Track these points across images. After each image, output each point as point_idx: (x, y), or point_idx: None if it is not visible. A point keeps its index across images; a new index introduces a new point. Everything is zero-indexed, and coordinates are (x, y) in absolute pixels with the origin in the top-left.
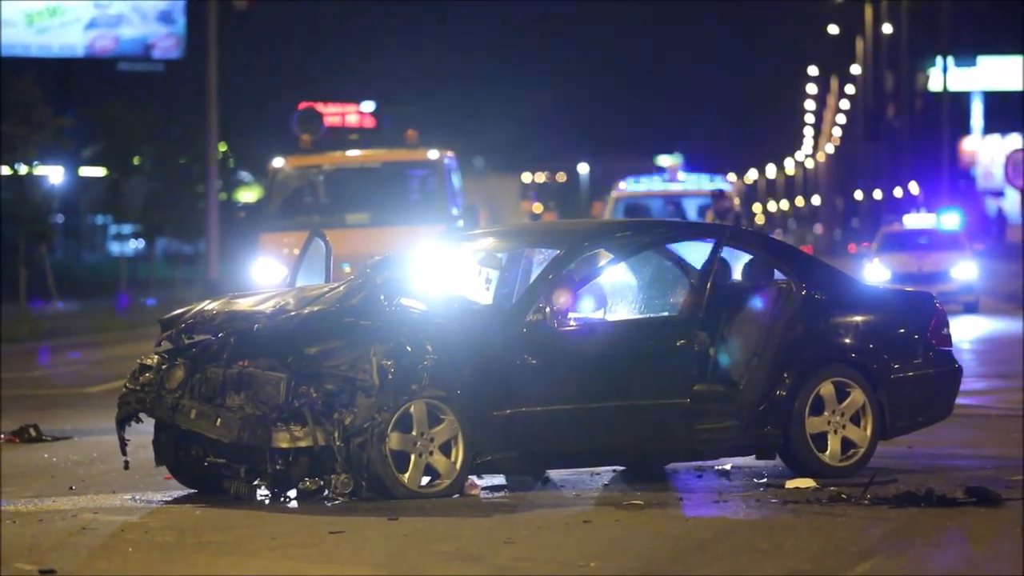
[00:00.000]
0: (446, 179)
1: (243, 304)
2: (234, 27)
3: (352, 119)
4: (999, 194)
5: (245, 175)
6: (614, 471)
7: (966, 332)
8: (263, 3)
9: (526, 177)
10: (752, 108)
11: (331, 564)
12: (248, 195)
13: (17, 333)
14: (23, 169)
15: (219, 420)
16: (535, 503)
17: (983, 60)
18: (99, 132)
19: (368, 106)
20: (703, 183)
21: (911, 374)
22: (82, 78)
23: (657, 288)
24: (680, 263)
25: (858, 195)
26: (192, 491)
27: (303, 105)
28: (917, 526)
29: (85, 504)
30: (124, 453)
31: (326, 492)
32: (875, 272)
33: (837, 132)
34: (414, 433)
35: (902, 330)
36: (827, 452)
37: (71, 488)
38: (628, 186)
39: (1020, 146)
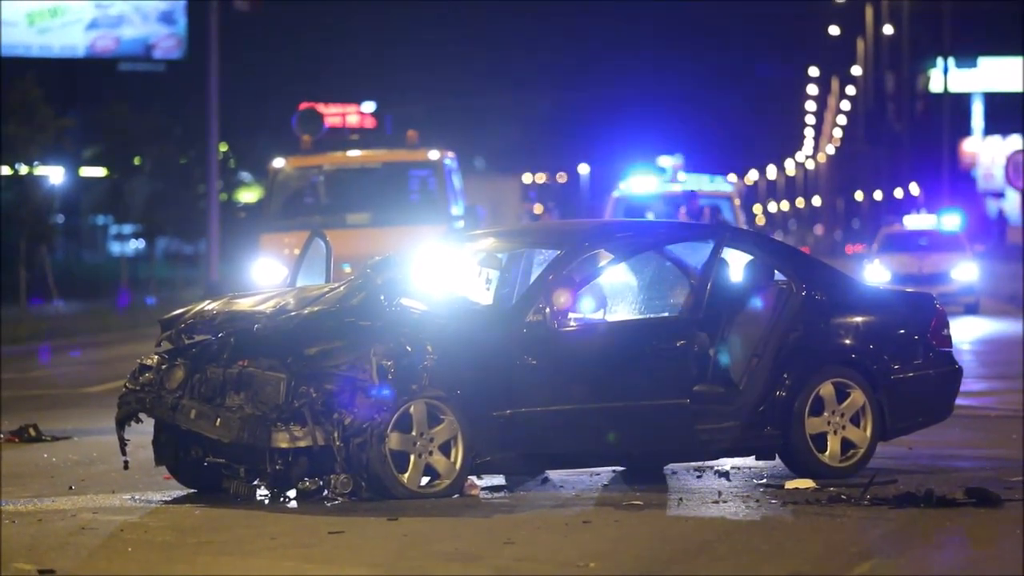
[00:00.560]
0: (447, 180)
1: (243, 304)
2: (235, 28)
3: (353, 119)
4: (1000, 195)
5: (246, 175)
6: (614, 471)
7: (966, 333)
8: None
9: (527, 178)
10: (753, 109)
11: (330, 564)
12: (249, 195)
13: (17, 333)
14: (24, 169)
15: (219, 420)
16: (535, 503)
17: (984, 61)
18: (100, 132)
19: (369, 106)
20: (703, 183)
21: (911, 375)
22: (83, 78)
23: (657, 289)
24: (680, 264)
25: (858, 196)
26: (192, 491)
27: (304, 105)
28: (917, 527)
29: (85, 504)
30: (124, 453)
31: (325, 492)
32: (875, 273)
33: (838, 133)
34: (414, 433)
35: (902, 331)
36: (827, 453)
37: (71, 488)
38: (628, 187)
39: (1021, 147)
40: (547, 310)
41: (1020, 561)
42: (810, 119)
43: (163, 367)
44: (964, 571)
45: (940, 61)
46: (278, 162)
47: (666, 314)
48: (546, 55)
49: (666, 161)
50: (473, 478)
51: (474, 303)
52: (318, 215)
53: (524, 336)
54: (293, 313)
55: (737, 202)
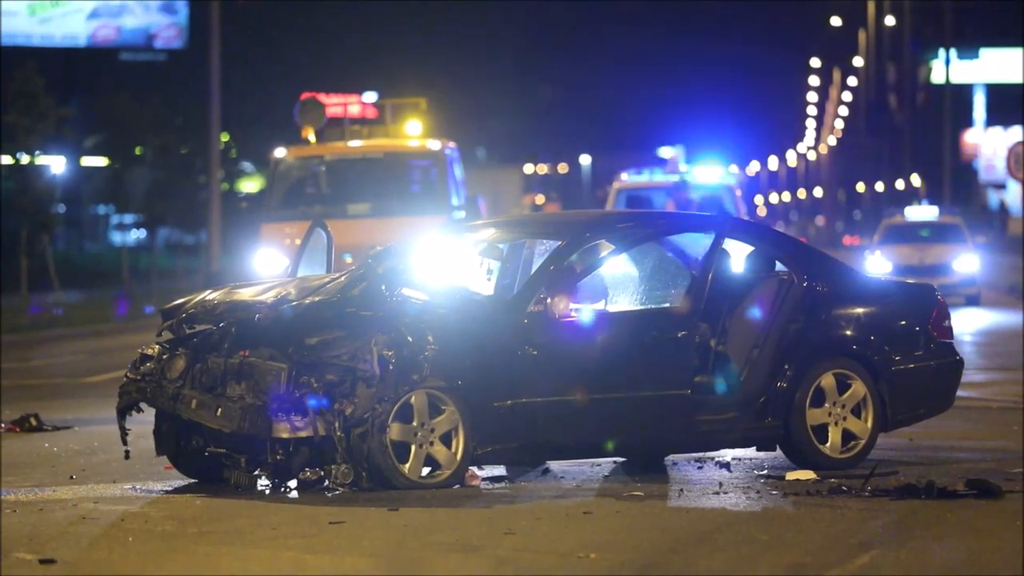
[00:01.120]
0: (448, 170)
1: (244, 294)
2: (236, 17)
3: (354, 109)
4: (1001, 187)
5: (247, 165)
6: (614, 462)
7: (967, 325)
8: None
9: (528, 168)
10: (755, 100)
11: (331, 554)
12: (250, 185)
13: (18, 323)
14: (25, 159)
15: (220, 410)
16: (535, 494)
17: (985, 52)
18: (101, 122)
19: (370, 96)
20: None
21: (912, 366)
22: (84, 68)
23: (658, 279)
24: (681, 254)
25: (860, 187)
26: (192, 481)
27: (305, 95)
28: (917, 518)
29: (85, 494)
30: (125, 443)
31: (326, 482)
32: (877, 264)
33: (839, 124)
34: (415, 423)
35: (903, 322)
36: (828, 444)
37: (71, 477)
38: (629, 177)
39: (1022, 139)
40: (548, 301)
41: (1020, 553)
42: (812, 110)
43: (164, 357)
44: (964, 562)
45: (942, 52)
46: (279, 152)
47: (667, 305)
48: (548, 45)
49: (667, 152)
50: (474, 468)
51: (475, 293)
52: (319, 205)
53: (525, 327)
54: (294, 303)
55: (738, 192)
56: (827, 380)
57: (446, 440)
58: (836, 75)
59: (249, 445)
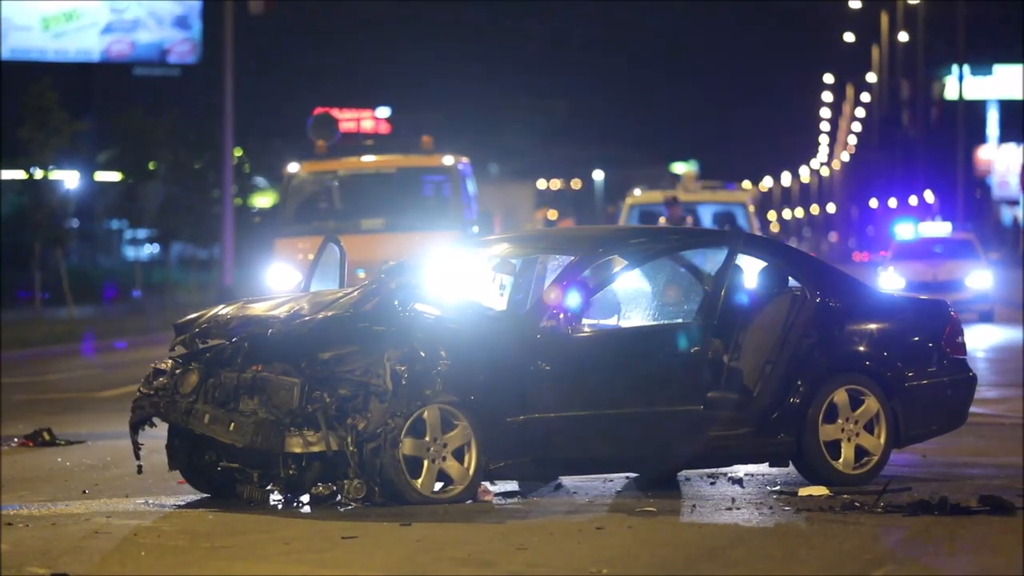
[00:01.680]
0: (461, 185)
1: (257, 309)
2: (250, 33)
3: (367, 125)
4: (1014, 203)
5: (260, 180)
6: (627, 478)
7: (981, 341)
8: (279, 7)
9: (541, 184)
10: (768, 116)
11: (343, 569)
12: (263, 200)
13: (32, 337)
14: (39, 173)
15: (232, 424)
16: (548, 509)
17: (999, 69)
18: (115, 137)
19: (384, 112)
20: (718, 192)
21: (925, 382)
22: (98, 83)
23: (671, 295)
24: (694, 270)
25: (873, 203)
26: (205, 495)
27: (318, 110)
28: (931, 534)
29: (98, 508)
30: (137, 457)
31: (339, 497)
32: (890, 280)
33: (852, 140)
34: (427, 438)
35: (916, 338)
36: (841, 460)
37: (84, 492)
38: (642, 193)
39: None
40: (561, 316)
41: None
42: (825, 126)
43: (177, 371)
44: None
45: (955, 68)
46: (293, 167)
47: (680, 320)
48: (562, 62)
49: (681, 168)
50: (486, 484)
51: (488, 308)
52: (332, 220)
53: (538, 342)
54: (307, 318)
55: (751, 208)
56: (840, 396)
57: (458, 455)
58: (849, 91)
59: (262, 460)
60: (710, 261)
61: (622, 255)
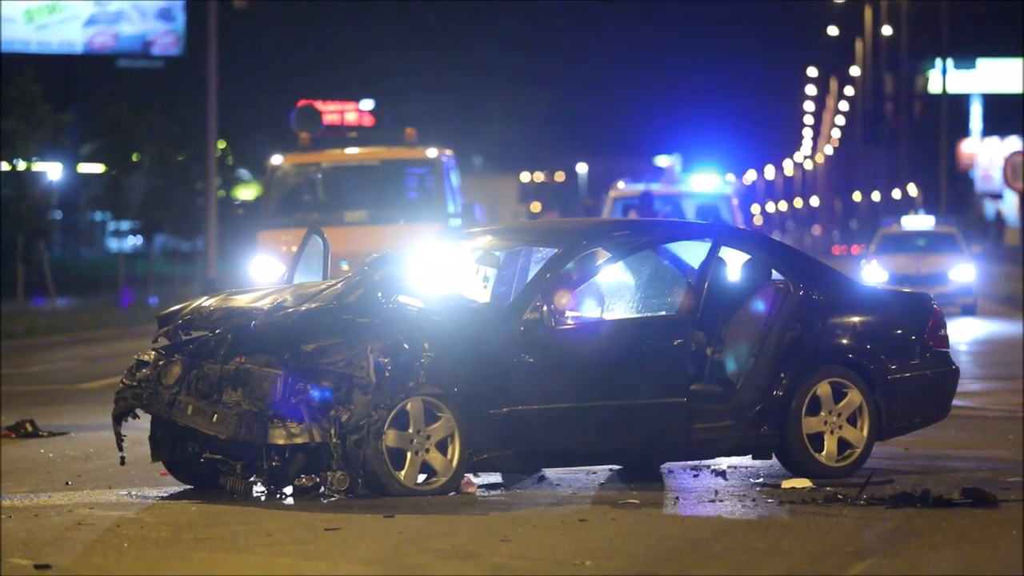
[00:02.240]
0: (444, 178)
1: (240, 301)
2: (234, 25)
3: (351, 117)
4: (998, 196)
5: (244, 172)
6: (610, 470)
7: (964, 334)
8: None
9: (525, 176)
10: (751, 109)
11: (327, 561)
12: (247, 192)
13: (15, 329)
14: (22, 165)
15: (216, 416)
16: (531, 501)
17: (982, 62)
18: (98, 129)
19: (367, 104)
20: (701, 183)
21: (908, 375)
22: (81, 75)
23: (655, 287)
24: (678, 263)
25: (856, 196)
26: (188, 487)
27: (302, 103)
28: (913, 527)
29: (81, 499)
30: (120, 449)
31: (322, 489)
32: (873, 273)
33: (836, 134)
34: (411, 430)
35: (899, 331)
36: (824, 452)
37: (67, 483)
38: (625, 186)
39: (1019, 148)
40: (544, 308)
41: (1017, 562)
42: (808, 119)
43: (160, 363)
44: (960, 571)
45: (939, 62)
46: (276, 159)
47: (663, 313)
48: (545, 54)
49: (664, 161)
50: (470, 476)
51: (471, 301)
52: (316, 212)
53: (521, 334)
54: (290, 310)
55: (735, 202)
56: (823, 389)
57: (442, 447)
58: (833, 84)
59: (245, 451)
60: (694, 254)
61: (605, 248)
